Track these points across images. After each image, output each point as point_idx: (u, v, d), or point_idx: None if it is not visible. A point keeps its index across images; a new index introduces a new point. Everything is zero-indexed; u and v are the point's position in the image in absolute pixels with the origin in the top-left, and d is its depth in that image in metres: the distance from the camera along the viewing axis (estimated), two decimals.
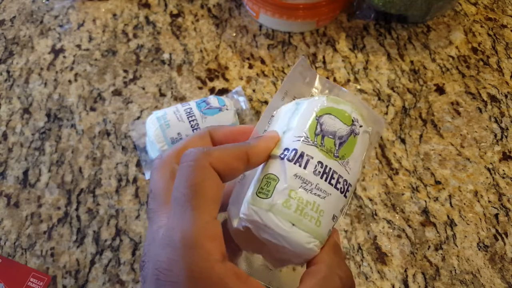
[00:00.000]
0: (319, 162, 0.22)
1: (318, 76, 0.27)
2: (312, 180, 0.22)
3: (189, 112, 0.42)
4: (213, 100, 0.44)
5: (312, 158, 0.22)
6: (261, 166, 0.23)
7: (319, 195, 0.22)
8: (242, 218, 0.22)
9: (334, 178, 0.22)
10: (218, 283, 0.18)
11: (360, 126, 0.24)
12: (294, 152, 0.22)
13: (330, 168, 0.22)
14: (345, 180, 0.23)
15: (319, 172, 0.22)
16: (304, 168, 0.22)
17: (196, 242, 0.18)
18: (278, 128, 0.24)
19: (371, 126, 0.25)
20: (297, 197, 0.21)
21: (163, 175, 0.21)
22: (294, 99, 0.26)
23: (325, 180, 0.22)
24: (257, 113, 0.47)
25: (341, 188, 0.23)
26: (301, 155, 0.22)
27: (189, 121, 0.42)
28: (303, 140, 0.23)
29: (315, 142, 0.23)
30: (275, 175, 0.22)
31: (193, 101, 0.44)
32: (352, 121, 0.24)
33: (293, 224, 0.21)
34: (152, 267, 0.18)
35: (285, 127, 0.24)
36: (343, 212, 0.24)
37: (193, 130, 0.42)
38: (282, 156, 0.22)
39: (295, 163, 0.22)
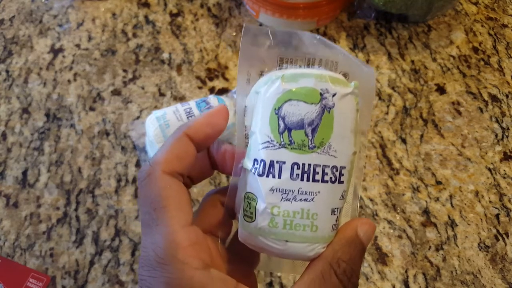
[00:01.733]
0: (294, 164, 0.20)
1: (270, 32, 0.22)
2: (292, 187, 0.20)
3: (188, 112, 0.42)
4: (213, 99, 0.43)
5: (284, 163, 0.20)
6: (243, 180, 0.21)
7: (305, 199, 0.20)
8: (243, 239, 0.21)
9: (318, 173, 0.20)
10: None
11: (334, 95, 0.20)
12: (262, 163, 0.20)
13: (310, 165, 0.20)
14: (334, 166, 0.20)
15: (298, 175, 0.20)
16: (279, 177, 0.20)
17: (168, 256, 0.18)
18: (251, 125, 0.22)
19: (351, 83, 0.21)
20: (281, 211, 0.20)
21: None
22: (261, 75, 0.22)
23: (307, 180, 0.20)
24: None
25: (331, 178, 0.20)
26: (271, 165, 0.20)
27: None
28: (267, 146, 0.20)
29: (282, 143, 0.20)
30: (253, 194, 0.20)
31: (193, 100, 0.44)
32: (321, 94, 0.20)
33: (287, 241, 0.20)
34: (139, 287, 0.18)
35: (250, 127, 0.21)
36: (345, 197, 0.21)
37: None
38: (253, 170, 0.20)
39: (267, 176, 0.20)
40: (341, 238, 0.20)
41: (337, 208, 0.21)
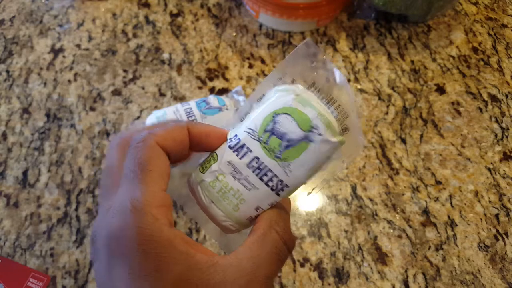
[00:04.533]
0: (256, 157, 0.24)
1: (324, 59, 0.25)
2: (243, 171, 0.24)
3: (189, 112, 0.42)
4: (213, 99, 0.44)
5: (251, 152, 0.24)
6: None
7: (245, 186, 0.24)
8: (188, 180, 0.25)
9: (267, 176, 0.24)
10: (167, 245, 0.19)
11: (319, 135, 0.24)
12: (237, 141, 0.24)
13: (266, 166, 0.24)
14: (281, 180, 0.24)
15: (253, 166, 0.24)
16: (240, 158, 0.24)
17: (144, 209, 0.20)
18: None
19: (339, 137, 0.24)
20: (224, 181, 0.24)
21: (122, 154, 0.23)
22: (293, 82, 0.25)
23: (257, 175, 0.24)
24: None
25: (273, 186, 0.24)
26: (242, 146, 0.24)
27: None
28: (249, 133, 0.24)
29: (260, 138, 0.24)
30: (217, 155, 0.24)
31: (193, 100, 0.44)
32: (311, 127, 0.24)
33: (212, 201, 0.24)
34: (104, 237, 0.20)
35: (250, 112, 0.25)
36: (274, 206, 0.25)
37: None
38: (229, 141, 0.24)
39: (234, 152, 0.24)
40: (273, 209, 0.24)
41: (262, 208, 0.24)
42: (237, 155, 0.24)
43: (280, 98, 0.24)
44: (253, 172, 0.24)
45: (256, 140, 0.24)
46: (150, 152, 0.21)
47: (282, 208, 0.24)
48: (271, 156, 0.24)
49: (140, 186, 0.20)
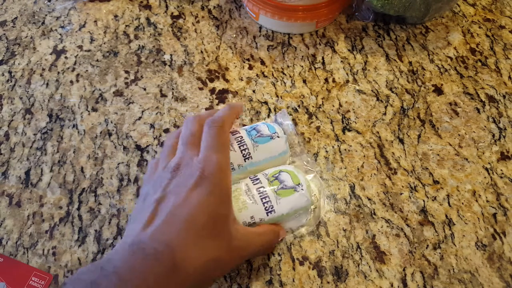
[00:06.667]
0: (263, 187, 0.38)
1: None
2: (254, 193, 0.37)
3: (240, 141, 0.40)
4: (263, 127, 0.41)
5: (261, 183, 0.38)
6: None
7: (250, 200, 0.37)
8: None
9: (265, 199, 0.37)
10: (229, 194, 0.34)
11: (302, 189, 0.38)
12: (256, 177, 0.39)
13: (267, 195, 0.37)
14: (272, 206, 0.37)
15: (260, 192, 0.37)
16: (254, 185, 0.38)
17: (226, 169, 0.34)
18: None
19: (312, 199, 0.39)
20: (239, 194, 0.37)
21: (201, 127, 0.37)
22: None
23: (260, 198, 0.37)
24: (257, 113, 0.48)
25: (266, 207, 0.37)
26: (258, 179, 0.38)
27: (241, 150, 0.40)
28: (264, 175, 0.39)
29: (269, 180, 0.38)
30: (242, 181, 0.39)
31: (242, 128, 0.42)
32: (299, 184, 0.38)
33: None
34: (200, 167, 0.33)
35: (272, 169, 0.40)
36: (262, 221, 0.37)
37: (244, 159, 0.40)
38: (251, 176, 0.39)
39: (252, 181, 0.38)
40: (273, 227, 0.38)
41: (253, 219, 0.37)
42: (253, 184, 0.38)
43: (289, 166, 0.40)
44: (258, 195, 0.37)
45: (266, 179, 0.38)
46: (226, 133, 0.36)
47: (275, 233, 0.38)
48: (272, 190, 0.37)
49: (225, 153, 0.35)
